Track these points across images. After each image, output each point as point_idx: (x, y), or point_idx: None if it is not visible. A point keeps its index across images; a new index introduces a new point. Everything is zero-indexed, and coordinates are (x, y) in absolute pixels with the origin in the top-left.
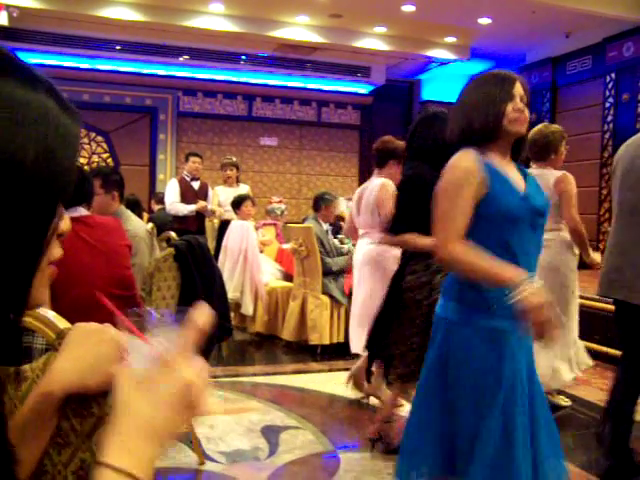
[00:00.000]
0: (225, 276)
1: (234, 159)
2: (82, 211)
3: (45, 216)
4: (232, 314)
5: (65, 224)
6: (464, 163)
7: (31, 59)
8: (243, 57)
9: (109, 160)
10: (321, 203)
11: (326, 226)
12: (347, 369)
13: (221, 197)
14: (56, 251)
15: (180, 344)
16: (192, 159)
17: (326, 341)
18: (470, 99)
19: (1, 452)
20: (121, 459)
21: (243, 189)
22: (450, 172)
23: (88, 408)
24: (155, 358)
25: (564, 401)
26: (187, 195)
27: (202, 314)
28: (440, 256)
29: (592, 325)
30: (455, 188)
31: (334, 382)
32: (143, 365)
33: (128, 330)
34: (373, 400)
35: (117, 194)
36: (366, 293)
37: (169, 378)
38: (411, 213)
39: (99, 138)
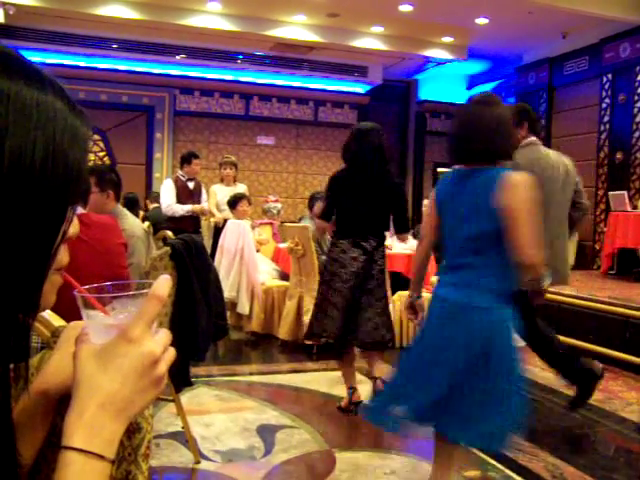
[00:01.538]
0: (221, 275)
1: (233, 158)
2: (78, 209)
3: (55, 219)
4: (228, 313)
5: (73, 228)
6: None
7: (27, 57)
8: (240, 56)
9: (106, 159)
10: (314, 202)
11: None
12: None
13: (218, 196)
14: (64, 258)
15: (142, 316)
16: (195, 162)
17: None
18: (493, 121)
19: (7, 455)
20: (86, 440)
21: (240, 188)
22: (530, 190)
23: None
24: (116, 331)
25: None
26: (182, 195)
27: (162, 285)
28: (532, 261)
29: (587, 325)
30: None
31: (330, 381)
32: (104, 339)
33: (88, 304)
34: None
35: (112, 193)
36: None
37: (132, 351)
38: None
39: (96, 136)
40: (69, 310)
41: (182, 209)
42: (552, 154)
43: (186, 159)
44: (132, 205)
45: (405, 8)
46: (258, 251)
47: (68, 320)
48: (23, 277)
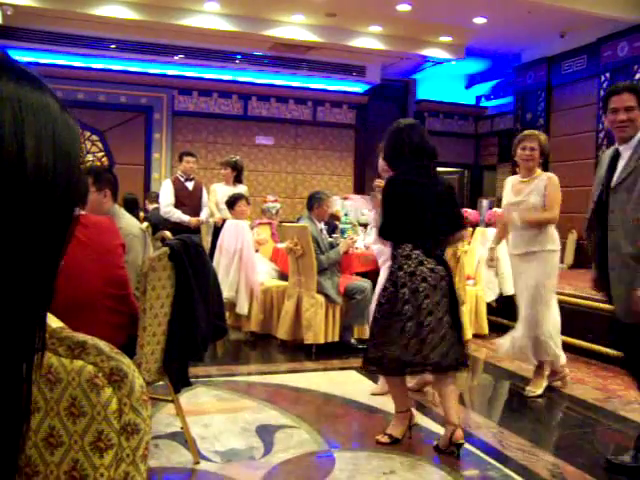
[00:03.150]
0: (220, 275)
1: (234, 158)
2: (77, 210)
3: (66, 219)
4: (227, 313)
5: None
6: None
7: (26, 57)
8: (238, 56)
9: (104, 159)
10: (314, 202)
11: (321, 225)
12: (342, 368)
13: (218, 195)
14: None
15: None
16: (186, 159)
17: (321, 340)
18: None
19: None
20: None
21: (241, 189)
22: None
23: (80, 408)
24: None
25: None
26: (181, 195)
27: None
28: None
29: (586, 324)
30: None
31: (329, 381)
32: None
33: None
34: (368, 401)
35: (109, 193)
36: None
37: None
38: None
39: (94, 137)
40: (67, 311)
41: (180, 218)
42: None
43: (179, 157)
44: (132, 206)
45: (403, 8)
46: (257, 251)
47: (65, 321)
48: (41, 275)
